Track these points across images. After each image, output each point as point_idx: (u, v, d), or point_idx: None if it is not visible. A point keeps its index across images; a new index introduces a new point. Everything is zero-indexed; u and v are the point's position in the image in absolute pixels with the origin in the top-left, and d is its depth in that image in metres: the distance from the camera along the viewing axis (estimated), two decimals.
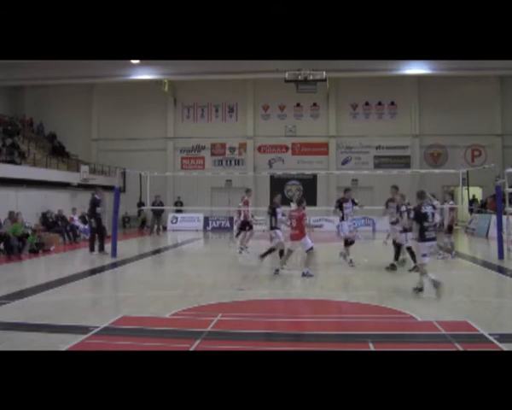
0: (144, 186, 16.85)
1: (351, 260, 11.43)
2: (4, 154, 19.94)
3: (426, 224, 8.03)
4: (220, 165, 28.01)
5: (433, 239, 8.18)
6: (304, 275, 9.97)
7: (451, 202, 13.28)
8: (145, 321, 6.65)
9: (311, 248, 10.19)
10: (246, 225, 14.74)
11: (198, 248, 19.09)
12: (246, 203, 14.67)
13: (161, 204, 23.29)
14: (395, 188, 11.17)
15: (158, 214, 22.88)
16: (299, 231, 10.19)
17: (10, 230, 13.79)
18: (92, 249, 14.34)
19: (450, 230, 13.21)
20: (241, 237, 15.10)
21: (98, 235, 14.61)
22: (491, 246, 15.09)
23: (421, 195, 8.42)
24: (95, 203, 14.63)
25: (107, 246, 14.49)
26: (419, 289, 8.17)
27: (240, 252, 14.38)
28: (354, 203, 11.98)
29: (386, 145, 27.12)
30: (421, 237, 8.01)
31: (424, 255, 8.06)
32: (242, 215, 14.80)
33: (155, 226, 22.82)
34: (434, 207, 8.48)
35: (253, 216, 17.36)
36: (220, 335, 5.92)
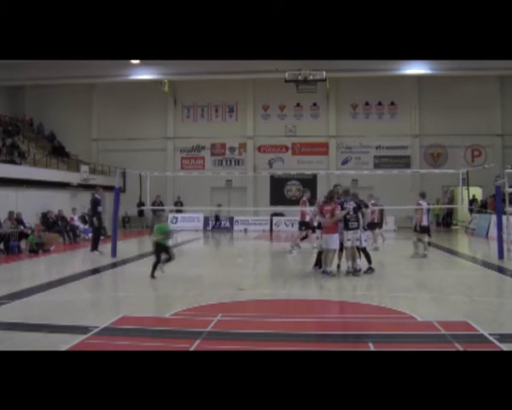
0: (144, 186, 16.83)
1: (338, 266, 10.67)
2: (4, 154, 19.93)
3: (348, 216, 9.99)
4: (220, 165, 28.02)
5: (356, 228, 10.06)
6: (324, 273, 10.01)
7: (421, 202, 13.10)
8: (145, 321, 6.65)
9: (334, 250, 10.05)
10: (303, 225, 14.83)
11: (198, 248, 19.09)
12: (303, 204, 14.82)
13: (161, 204, 23.27)
14: (338, 186, 11.49)
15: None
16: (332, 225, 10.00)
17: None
18: (95, 248, 14.38)
19: (423, 230, 13.03)
20: (297, 234, 15.41)
21: (98, 235, 14.74)
22: (491, 246, 15.10)
23: (346, 192, 10.56)
24: (96, 203, 14.62)
25: (107, 246, 14.50)
26: (355, 270, 10.00)
27: (290, 252, 14.40)
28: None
29: (386, 145, 27.13)
30: (346, 227, 10.01)
31: (348, 240, 10.01)
32: (300, 215, 15.02)
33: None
34: (357, 204, 10.33)
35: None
36: (220, 335, 5.92)
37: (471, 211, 22.97)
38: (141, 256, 14.79)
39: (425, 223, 13.02)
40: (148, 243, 19.84)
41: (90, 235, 16.23)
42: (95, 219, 14.58)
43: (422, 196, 13.48)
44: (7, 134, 22.77)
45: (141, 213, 24.32)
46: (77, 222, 19.50)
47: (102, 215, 22.99)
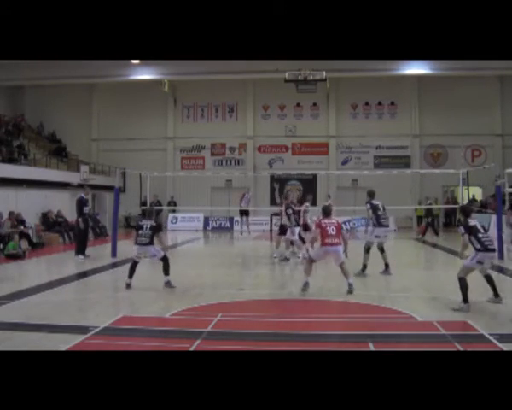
0: (144, 186, 16.82)
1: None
2: (5, 153, 19.91)
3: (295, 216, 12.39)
4: (220, 165, 28.01)
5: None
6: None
7: (368, 206, 10.70)
8: (145, 321, 6.65)
9: None
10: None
11: (198, 248, 19.09)
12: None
13: (159, 204, 23.19)
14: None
15: (156, 215, 22.76)
16: None
17: None
18: (79, 253, 13.31)
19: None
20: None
21: (84, 238, 13.78)
22: None
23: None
24: (81, 203, 13.92)
25: (107, 246, 14.47)
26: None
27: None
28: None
29: (386, 145, 27.11)
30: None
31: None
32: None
33: None
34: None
35: None
36: (220, 335, 5.92)
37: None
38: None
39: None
40: None
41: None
42: (80, 220, 13.53)
43: (370, 195, 11.00)
44: (15, 136, 22.74)
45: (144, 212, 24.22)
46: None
47: (102, 215, 23.07)
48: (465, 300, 7.01)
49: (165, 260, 8.83)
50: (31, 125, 27.40)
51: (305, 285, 8.37)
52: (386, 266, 10.28)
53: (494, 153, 25.76)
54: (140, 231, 8.83)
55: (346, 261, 8.58)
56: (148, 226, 8.83)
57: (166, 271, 8.79)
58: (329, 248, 8.34)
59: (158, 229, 9.06)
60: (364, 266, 10.25)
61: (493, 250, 7.28)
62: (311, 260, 8.62)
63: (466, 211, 7.75)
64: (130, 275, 8.82)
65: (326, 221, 8.54)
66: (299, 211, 12.87)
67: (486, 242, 7.16)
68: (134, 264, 8.90)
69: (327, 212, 8.79)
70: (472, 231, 7.24)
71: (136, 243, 8.87)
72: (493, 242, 7.31)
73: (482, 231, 7.28)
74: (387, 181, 23.96)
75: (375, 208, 10.54)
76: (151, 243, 8.82)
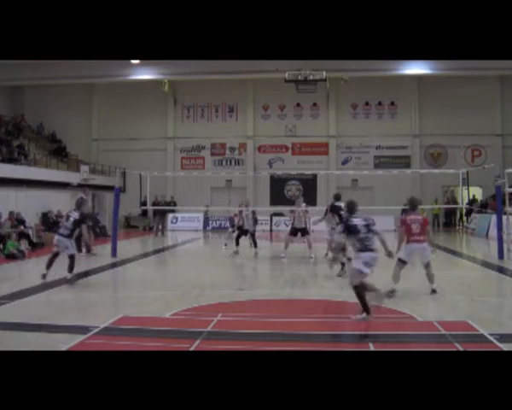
0: (144, 186, 16.82)
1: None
2: (5, 153, 19.90)
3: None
4: (220, 165, 28.01)
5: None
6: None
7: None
8: (145, 321, 6.64)
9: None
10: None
11: (198, 248, 19.08)
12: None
13: (166, 204, 23.16)
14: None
15: (162, 215, 22.73)
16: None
17: None
18: (80, 250, 13.34)
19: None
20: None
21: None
22: (491, 246, 15.09)
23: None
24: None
25: (107, 245, 14.46)
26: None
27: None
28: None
29: (386, 145, 27.11)
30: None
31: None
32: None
33: (160, 226, 22.63)
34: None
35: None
36: (220, 335, 5.92)
37: (471, 211, 22.96)
38: (141, 256, 14.78)
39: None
40: (148, 244, 19.87)
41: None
42: None
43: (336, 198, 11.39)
44: (14, 136, 22.72)
45: (144, 212, 24.24)
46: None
47: (102, 215, 23.05)
48: (366, 310, 6.41)
49: (72, 258, 9.11)
50: (31, 125, 27.39)
51: (392, 292, 7.84)
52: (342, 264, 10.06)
53: (494, 153, 25.75)
54: (65, 222, 9.17)
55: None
56: (72, 219, 9.14)
57: (71, 269, 9.13)
58: (415, 245, 7.94)
59: (81, 222, 9.33)
60: (342, 265, 10.11)
61: (373, 250, 6.67)
62: (402, 263, 8.10)
63: (350, 207, 7.15)
64: (48, 266, 9.10)
65: (412, 217, 8.06)
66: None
67: (366, 241, 6.63)
68: (54, 256, 9.17)
69: (413, 204, 8.28)
70: (351, 230, 6.69)
71: (57, 233, 9.18)
72: (373, 242, 6.72)
73: (364, 231, 6.67)
74: (387, 181, 24.01)
75: (337, 209, 10.63)
76: (70, 235, 9.10)
